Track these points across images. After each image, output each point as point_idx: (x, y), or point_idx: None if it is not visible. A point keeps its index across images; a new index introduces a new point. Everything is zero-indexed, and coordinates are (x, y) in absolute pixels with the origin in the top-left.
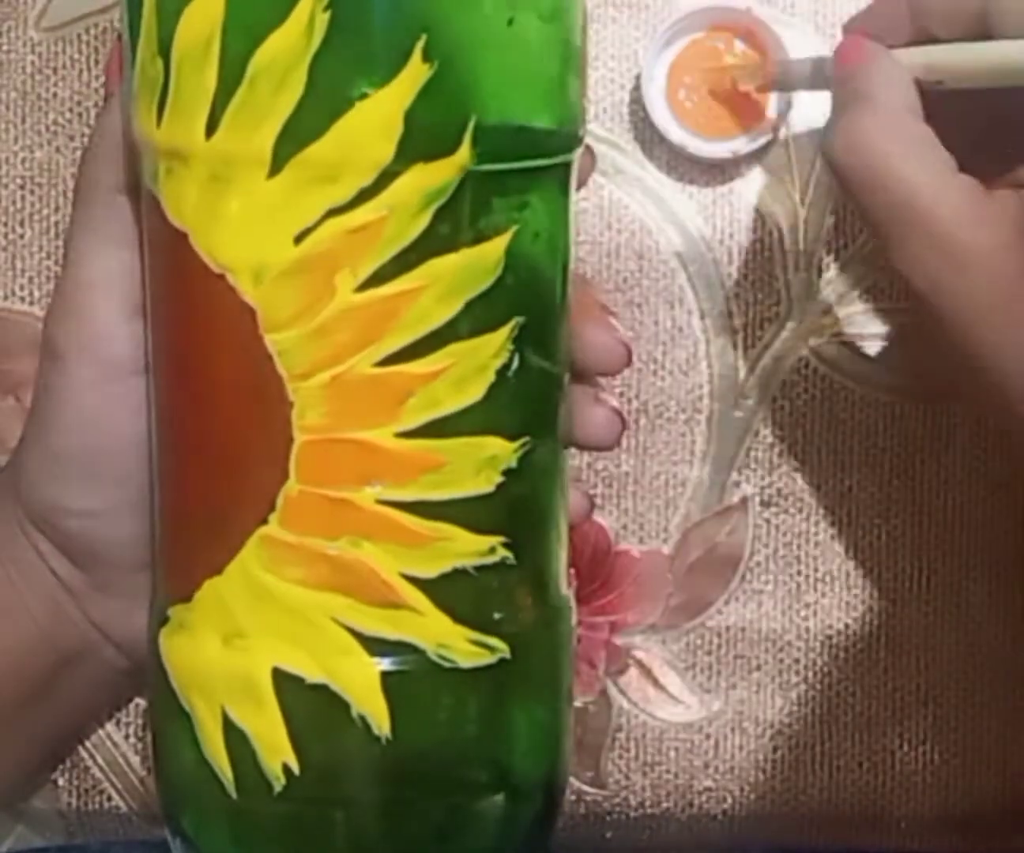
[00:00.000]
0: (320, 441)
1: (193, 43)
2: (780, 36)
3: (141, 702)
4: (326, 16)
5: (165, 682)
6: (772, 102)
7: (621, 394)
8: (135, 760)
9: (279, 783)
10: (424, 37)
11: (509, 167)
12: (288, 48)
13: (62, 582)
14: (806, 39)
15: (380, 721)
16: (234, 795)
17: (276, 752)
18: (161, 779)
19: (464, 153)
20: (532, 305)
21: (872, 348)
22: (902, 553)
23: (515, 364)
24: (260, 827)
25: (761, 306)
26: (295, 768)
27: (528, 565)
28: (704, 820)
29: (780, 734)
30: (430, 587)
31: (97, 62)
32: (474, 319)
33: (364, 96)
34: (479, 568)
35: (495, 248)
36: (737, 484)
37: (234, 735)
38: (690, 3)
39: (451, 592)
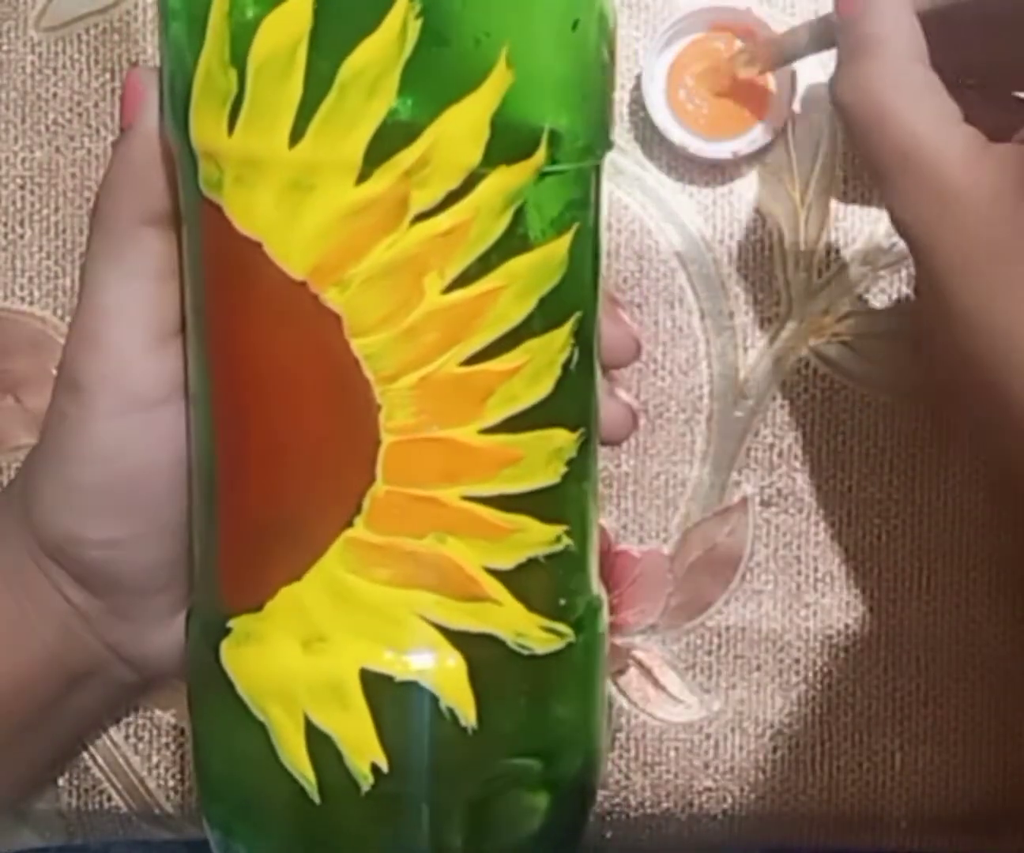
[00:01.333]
0: (407, 441)
1: (275, 52)
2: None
3: (141, 703)
4: (418, 23)
5: (230, 694)
6: (776, 87)
7: None
8: (135, 760)
9: (367, 783)
10: (508, 43)
11: (575, 167)
12: (380, 55)
13: (75, 608)
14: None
15: (467, 712)
16: (316, 800)
17: (364, 752)
18: (218, 792)
19: (541, 154)
20: (586, 300)
21: (872, 348)
22: (902, 553)
23: (575, 357)
24: (343, 828)
25: (761, 306)
26: (384, 766)
27: (582, 553)
28: (704, 820)
29: (780, 734)
30: (508, 578)
31: (97, 62)
32: (545, 315)
33: (454, 101)
34: (548, 557)
35: (562, 245)
36: (737, 484)
37: (317, 739)
38: (690, 3)
39: (525, 582)
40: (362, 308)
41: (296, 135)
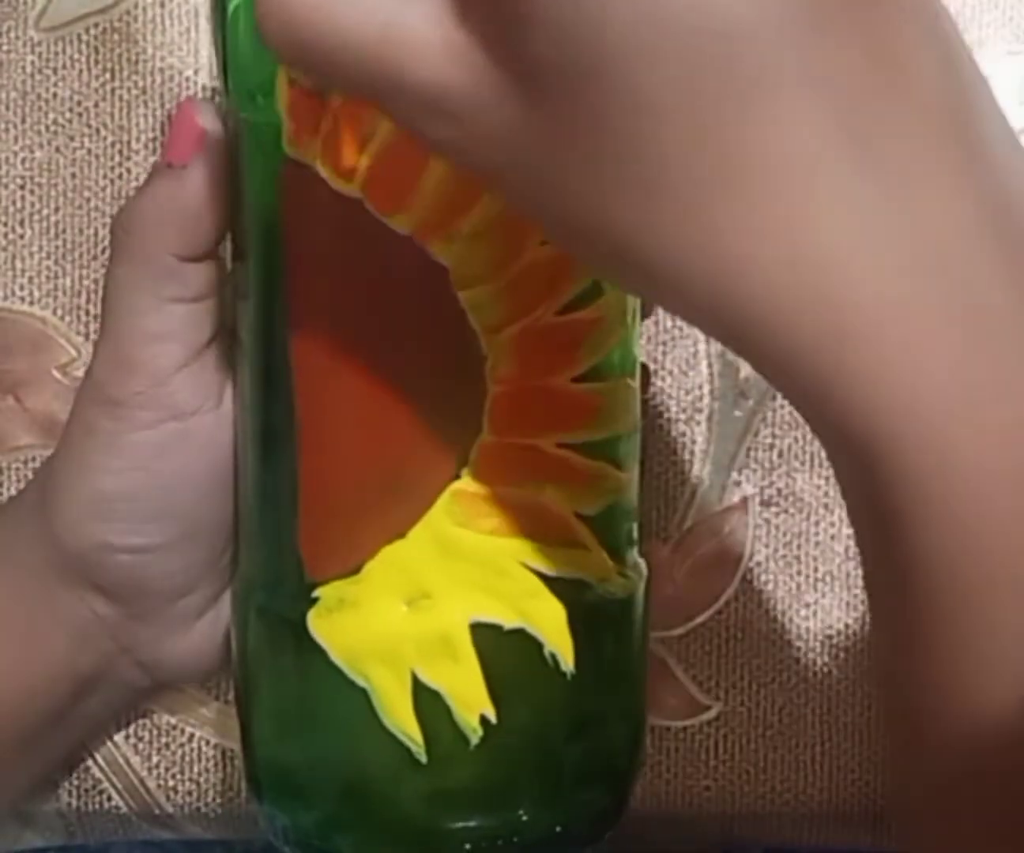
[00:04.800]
0: (511, 391)
1: None
2: None
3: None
4: None
5: (324, 664)
6: None
7: None
8: (135, 760)
9: (476, 736)
10: None
11: None
12: None
13: (95, 613)
14: None
15: (567, 657)
16: (423, 760)
17: (474, 705)
18: (293, 773)
19: None
20: None
21: None
22: None
23: (636, 311)
24: (449, 786)
25: None
26: (492, 718)
27: (640, 503)
28: (704, 820)
29: (780, 734)
30: (594, 524)
31: (97, 62)
32: None
33: None
34: (621, 504)
35: None
36: (737, 484)
37: (425, 697)
38: None
39: (606, 528)
40: (468, 260)
41: None
